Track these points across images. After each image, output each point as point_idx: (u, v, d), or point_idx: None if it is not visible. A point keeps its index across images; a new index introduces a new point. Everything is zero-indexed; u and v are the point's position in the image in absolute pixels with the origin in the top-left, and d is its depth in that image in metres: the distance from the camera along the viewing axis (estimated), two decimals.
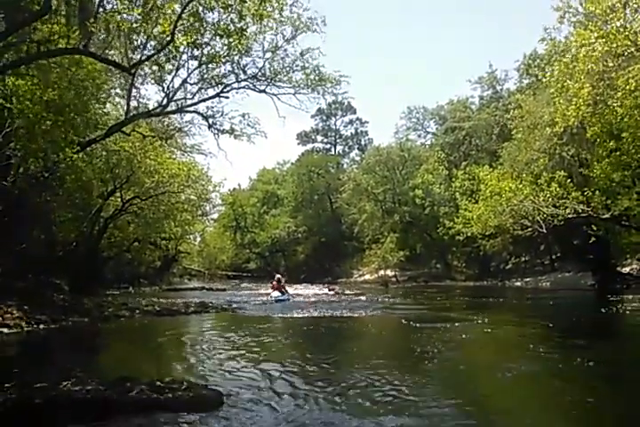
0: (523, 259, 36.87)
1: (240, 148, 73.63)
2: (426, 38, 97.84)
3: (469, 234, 28.32)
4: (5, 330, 9.85)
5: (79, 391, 4.56)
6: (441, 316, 13.26)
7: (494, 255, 37.22)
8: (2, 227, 15.03)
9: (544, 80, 20.82)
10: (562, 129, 19.43)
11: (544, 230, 21.25)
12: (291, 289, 25.33)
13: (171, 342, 10.20)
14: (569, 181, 20.90)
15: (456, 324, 11.75)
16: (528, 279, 32.54)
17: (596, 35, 15.30)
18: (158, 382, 5.04)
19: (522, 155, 26.77)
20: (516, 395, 5.90)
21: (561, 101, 17.75)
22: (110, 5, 12.11)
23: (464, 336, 10.17)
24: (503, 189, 22.41)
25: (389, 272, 42.19)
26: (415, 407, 4.96)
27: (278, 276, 23.97)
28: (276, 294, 21.46)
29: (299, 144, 67.66)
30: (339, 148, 67.77)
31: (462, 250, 39.64)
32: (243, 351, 8.45)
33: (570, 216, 19.96)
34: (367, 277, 45.81)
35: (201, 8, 13.14)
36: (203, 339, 10.22)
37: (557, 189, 20.32)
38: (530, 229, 22.72)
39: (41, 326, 10.87)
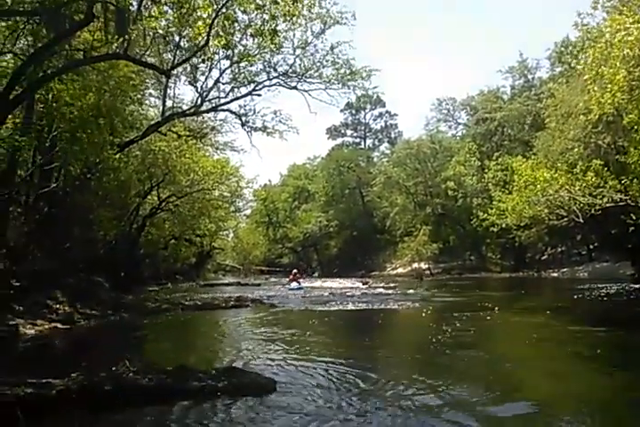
0: (559, 249, 36.37)
1: (270, 143, 74.21)
2: (451, 28, 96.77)
3: (504, 225, 28.00)
4: (59, 325, 10.34)
5: (143, 379, 4.88)
6: (477, 308, 13.26)
7: (530, 246, 36.80)
8: (47, 227, 15.63)
9: (578, 67, 20.47)
10: (597, 117, 19.07)
11: (581, 220, 20.97)
12: (325, 283, 29.62)
13: (217, 333, 10.60)
14: (605, 169, 20.54)
15: (494, 317, 11.82)
16: (565, 270, 32.12)
17: (631, 20, 14.99)
18: (213, 371, 5.33)
19: (556, 144, 26.42)
20: (548, 389, 5.96)
21: (595, 88, 17.39)
22: (147, 10, 12.48)
23: (503, 329, 10.28)
24: (538, 179, 22.10)
25: (423, 265, 42.06)
26: (452, 398, 5.09)
27: (295, 270, 29.67)
28: (294, 284, 26.20)
29: (328, 138, 67.75)
30: (368, 141, 67.70)
31: (497, 241, 39.24)
32: (286, 342, 8.76)
33: (607, 205, 19.63)
34: (400, 270, 45.76)
35: (235, 9, 13.43)
36: (246, 331, 10.57)
37: (594, 177, 19.97)
38: (566, 219, 22.46)
39: (91, 322, 11.37)
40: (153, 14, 12.36)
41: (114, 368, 5.20)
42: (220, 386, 4.90)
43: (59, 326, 10.31)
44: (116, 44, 11.99)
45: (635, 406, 4.90)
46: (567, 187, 20.72)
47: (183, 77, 19.97)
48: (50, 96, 13.99)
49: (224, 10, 12.52)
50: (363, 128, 67.02)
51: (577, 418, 4.56)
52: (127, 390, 4.70)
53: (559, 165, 23.55)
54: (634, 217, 20.49)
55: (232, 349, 8.31)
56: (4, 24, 10.96)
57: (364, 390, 5.37)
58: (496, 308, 12.78)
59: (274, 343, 8.59)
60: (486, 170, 38.71)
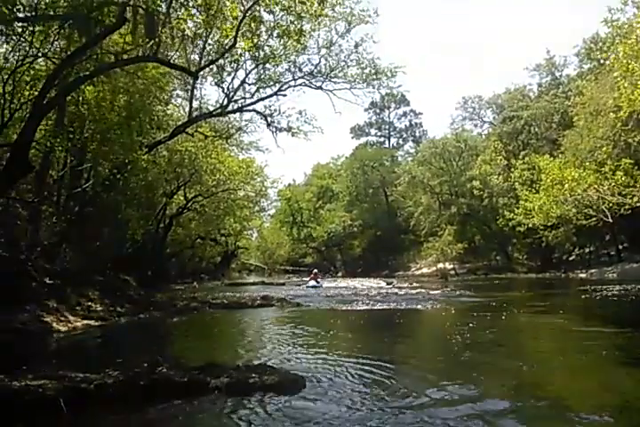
0: (587, 250, 35.74)
1: (294, 142, 74.62)
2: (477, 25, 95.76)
3: (530, 225, 27.73)
4: (92, 322, 10.60)
5: (176, 375, 5.02)
6: (501, 309, 13.16)
7: (557, 246, 36.19)
8: (78, 227, 15.99)
9: (607, 64, 20.15)
10: (627, 114, 18.78)
11: (609, 220, 20.68)
12: (349, 282, 30.65)
13: (245, 332, 10.76)
14: (635, 168, 20.20)
15: (517, 317, 11.77)
16: (593, 271, 31.49)
17: None
18: (244, 368, 5.45)
19: (584, 142, 26.04)
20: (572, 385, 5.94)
21: (626, 85, 17.14)
22: (176, 13, 12.67)
23: (525, 329, 10.23)
24: (565, 178, 21.85)
25: (448, 265, 41.75)
26: (481, 399, 5.11)
27: (315, 270, 32.65)
28: (312, 282, 28.36)
29: (352, 138, 67.88)
30: (393, 140, 67.55)
31: (523, 241, 38.70)
32: (313, 340, 8.88)
33: (637, 205, 19.31)
34: (425, 270, 45.50)
35: (262, 11, 13.59)
36: (273, 329, 10.70)
37: (623, 176, 19.67)
38: (594, 219, 22.14)
39: (122, 319, 11.61)
40: (181, 17, 12.58)
41: (147, 364, 5.35)
42: (252, 382, 5.00)
43: (91, 323, 10.56)
44: (145, 47, 12.22)
45: None
46: (596, 186, 20.46)
47: (210, 78, 20.21)
48: (80, 98, 14.35)
49: (250, 11, 12.68)
50: (387, 127, 66.88)
51: (601, 416, 4.54)
52: (161, 386, 4.83)
53: (587, 163, 23.19)
54: None
55: (261, 346, 8.43)
56: (38, 28, 11.23)
57: (391, 387, 5.43)
58: (519, 308, 12.69)
59: (301, 342, 8.70)
60: (512, 169, 38.18)
